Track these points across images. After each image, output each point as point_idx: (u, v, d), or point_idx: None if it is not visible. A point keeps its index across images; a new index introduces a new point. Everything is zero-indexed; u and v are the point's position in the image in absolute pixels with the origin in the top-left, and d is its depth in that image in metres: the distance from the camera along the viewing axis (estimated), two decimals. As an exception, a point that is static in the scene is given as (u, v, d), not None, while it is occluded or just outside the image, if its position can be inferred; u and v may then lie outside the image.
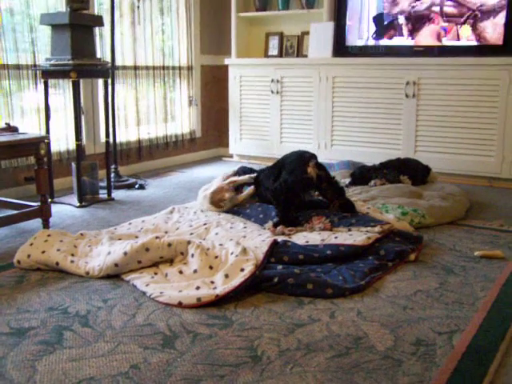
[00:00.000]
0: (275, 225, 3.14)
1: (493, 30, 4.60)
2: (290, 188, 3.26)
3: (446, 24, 4.78)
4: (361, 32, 5.20)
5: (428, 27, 4.86)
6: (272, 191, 3.35)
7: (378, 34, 5.10)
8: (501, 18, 4.54)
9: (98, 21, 4.05)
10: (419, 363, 1.84)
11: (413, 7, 4.89)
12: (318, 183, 3.34)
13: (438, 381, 1.73)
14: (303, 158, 3.36)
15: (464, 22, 4.69)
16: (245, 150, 5.85)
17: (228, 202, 3.53)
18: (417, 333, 2.05)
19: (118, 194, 4.36)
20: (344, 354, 1.90)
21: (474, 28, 4.67)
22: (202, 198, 3.61)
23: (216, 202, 3.54)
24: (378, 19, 5.09)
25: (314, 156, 3.40)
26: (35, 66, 4.16)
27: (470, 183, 4.67)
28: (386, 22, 5.05)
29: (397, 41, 5.02)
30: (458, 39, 4.76)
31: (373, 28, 5.12)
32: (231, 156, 6.05)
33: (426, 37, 4.88)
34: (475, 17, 4.64)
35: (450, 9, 4.74)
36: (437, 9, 4.80)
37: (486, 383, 1.74)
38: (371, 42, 5.16)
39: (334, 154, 5.27)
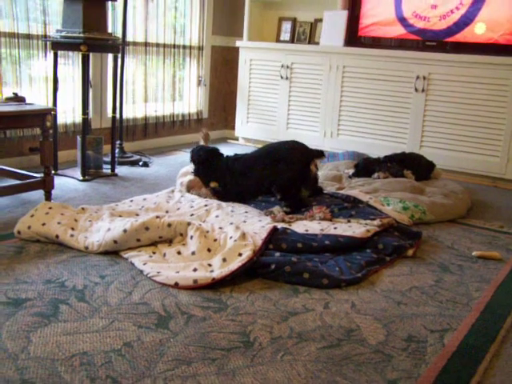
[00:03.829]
0: (287, 213, 3.19)
1: (506, 28, 4.56)
2: (295, 184, 3.35)
3: (456, 15, 4.76)
4: (373, 21, 5.18)
5: (441, 17, 4.84)
6: (279, 187, 3.34)
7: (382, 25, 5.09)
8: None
9: (112, -5, 4.03)
10: (409, 359, 1.85)
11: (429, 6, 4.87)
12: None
13: (426, 378, 1.75)
14: (308, 156, 3.42)
15: (473, 13, 4.69)
16: (250, 133, 5.84)
17: (202, 195, 3.53)
18: (409, 329, 2.07)
19: (121, 170, 4.37)
20: (335, 346, 1.91)
21: (488, 26, 4.64)
22: (179, 183, 3.65)
23: (191, 190, 3.57)
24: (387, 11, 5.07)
25: (319, 154, 3.48)
26: (46, 36, 4.15)
27: (473, 182, 4.66)
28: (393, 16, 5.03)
29: (411, 28, 5.01)
30: (470, 32, 4.73)
31: (383, 19, 5.10)
32: (237, 139, 6.05)
33: (439, 25, 4.86)
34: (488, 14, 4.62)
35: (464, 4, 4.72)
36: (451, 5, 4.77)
37: (474, 383, 1.76)
38: (379, 33, 5.13)
39: (340, 144, 5.27)
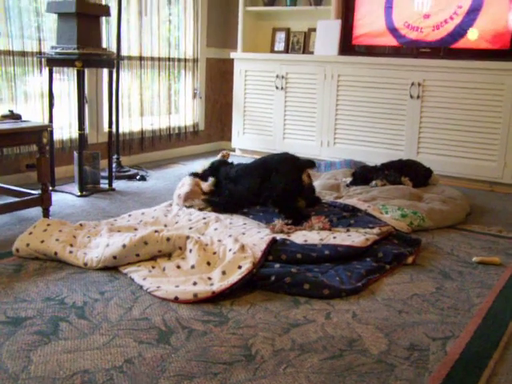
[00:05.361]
0: (288, 225, 3.18)
1: (500, 34, 4.58)
2: (289, 195, 3.35)
3: (451, 25, 4.77)
4: (366, 31, 5.19)
5: (434, 27, 4.85)
6: (273, 201, 3.36)
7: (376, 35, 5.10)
8: (509, 22, 4.52)
9: (105, 10, 4.04)
10: (412, 368, 1.84)
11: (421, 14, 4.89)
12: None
13: (430, 387, 1.74)
14: (299, 166, 3.46)
15: (469, 24, 4.68)
16: (247, 144, 5.85)
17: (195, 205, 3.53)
18: (411, 337, 2.06)
19: (119, 185, 4.37)
20: (337, 356, 1.90)
21: (481, 31, 4.65)
22: (176, 196, 3.62)
23: (187, 201, 3.56)
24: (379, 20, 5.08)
25: (310, 164, 3.52)
26: (40, 53, 4.16)
27: (471, 187, 4.67)
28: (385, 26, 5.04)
29: (403, 39, 5.01)
30: (465, 41, 4.74)
31: (375, 28, 5.11)
32: (233, 150, 6.05)
33: (432, 36, 4.87)
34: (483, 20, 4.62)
35: (457, 10, 4.73)
36: (445, 14, 4.78)
37: (478, 391, 1.75)
38: (374, 42, 5.15)
39: (337, 153, 5.27)
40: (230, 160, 4.00)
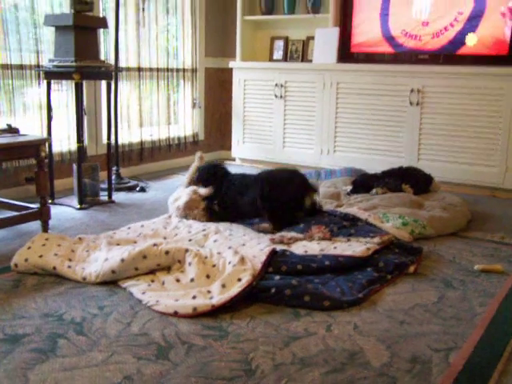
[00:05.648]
0: (271, 219, 3.20)
1: (499, 39, 4.56)
2: (284, 207, 3.35)
3: (452, 32, 4.75)
4: (365, 38, 5.18)
5: (434, 35, 4.83)
6: (261, 201, 3.34)
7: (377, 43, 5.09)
8: (507, 27, 4.51)
9: (102, 23, 4.04)
10: (414, 381, 1.82)
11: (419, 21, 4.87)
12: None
13: (433, 400, 1.71)
14: (303, 188, 3.44)
15: (471, 30, 4.65)
16: (247, 153, 5.84)
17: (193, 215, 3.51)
18: (413, 349, 2.03)
19: (118, 197, 4.35)
20: (339, 370, 1.88)
21: (480, 37, 4.64)
22: (174, 208, 3.57)
23: (188, 212, 3.53)
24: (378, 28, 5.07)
25: (315, 189, 3.52)
26: (38, 66, 4.16)
27: (472, 193, 4.64)
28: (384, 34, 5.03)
29: (401, 48, 5.00)
30: (464, 48, 4.72)
31: (374, 36, 5.10)
32: (234, 159, 6.04)
33: (432, 44, 4.86)
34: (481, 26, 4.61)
35: (457, 17, 4.71)
36: (446, 20, 4.77)
37: (482, 404, 1.72)
38: (374, 49, 5.14)
39: (337, 161, 5.25)
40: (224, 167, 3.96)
